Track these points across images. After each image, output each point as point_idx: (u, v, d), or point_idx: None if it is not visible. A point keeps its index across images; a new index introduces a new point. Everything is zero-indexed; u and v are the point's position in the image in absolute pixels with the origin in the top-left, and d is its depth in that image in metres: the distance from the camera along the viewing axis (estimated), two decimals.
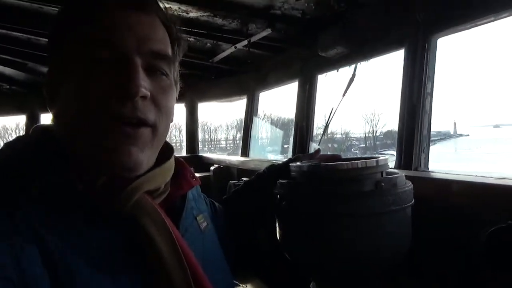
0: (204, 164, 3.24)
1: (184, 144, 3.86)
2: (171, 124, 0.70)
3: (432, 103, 1.48)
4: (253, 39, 2.30)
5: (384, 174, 0.84)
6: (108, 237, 0.58)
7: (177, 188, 0.72)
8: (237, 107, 3.31)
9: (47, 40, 0.68)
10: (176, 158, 0.75)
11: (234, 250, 0.96)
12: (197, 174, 1.13)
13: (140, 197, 0.61)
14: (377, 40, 1.76)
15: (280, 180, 0.94)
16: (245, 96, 3.23)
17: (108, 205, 0.58)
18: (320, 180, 0.84)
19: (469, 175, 1.07)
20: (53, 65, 0.65)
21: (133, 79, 0.57)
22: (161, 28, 0.65)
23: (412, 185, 0.88)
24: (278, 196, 0.93)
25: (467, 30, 1.39)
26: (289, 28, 2.14)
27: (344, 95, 2.05)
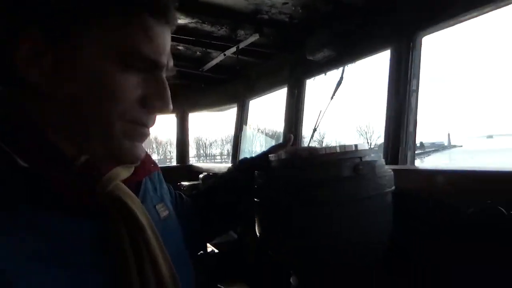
0: (194, 172, 3.22)
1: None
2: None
3: (418, 101, 1.49)
4: (242, 45, 2.32)
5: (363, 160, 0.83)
6: (74, 227, 0.55)
7: (133, 174, 0.68)
8: (232, 120, 3.29)
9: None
10: None
11: (201, 245, 0.94)
12: (186, 183, 1.10)
13: (118, 183, 0.61)
14: (364, 42, 1.78)
15: (257, 171, 0.92)
16: (235, 105, 3.23)
17: (81, 191, 0.56)
18: (298, 167, 0.83)
19: (452, 167, 1.07)
20: (68, 46, 0.57)
21: (169, 101, 0.61)
22: None
23: (392, 172, 0.87)
24: (255, 187, 0.92)
25: (451, 28, 1.41)
26: (277, 33, 2.16)
27: (332, 98, 2.06)
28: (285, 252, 0.90)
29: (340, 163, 0.79)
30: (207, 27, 2.22)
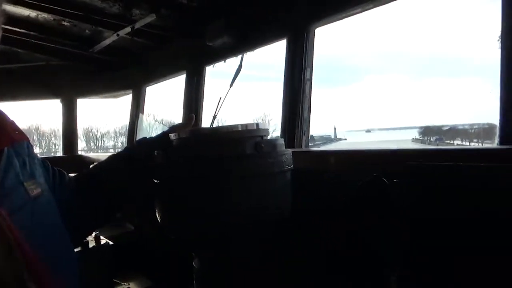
0: (85, 163, 2.95)
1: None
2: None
3: (311, 89, 1.57)
4: (137, 25, 2.17)
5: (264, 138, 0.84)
6: None
7: None
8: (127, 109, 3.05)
9: None
10: None
11: (88, 229, 0.86)
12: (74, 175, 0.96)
13: None
14: (261, 30, 1.81)
15: (157, 151, 0.86)
16: (131, 91, 3.04)
17: None
18: (200, 145, 0.80)
19: (344, 148, 1.16)
20: None
21: None
22: None
23: (291, 152, 0.89)
24: (156, 168, 0.86)
25: (340, 21, 1.51)
26: (176, 16, 2.07)
27: (231, 85, 2.05)
28: (188, 233, 0.87)
29: (242, 141, 0.78)
30: (97, 2, 2.02)
